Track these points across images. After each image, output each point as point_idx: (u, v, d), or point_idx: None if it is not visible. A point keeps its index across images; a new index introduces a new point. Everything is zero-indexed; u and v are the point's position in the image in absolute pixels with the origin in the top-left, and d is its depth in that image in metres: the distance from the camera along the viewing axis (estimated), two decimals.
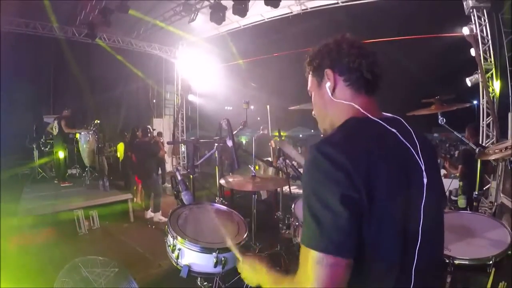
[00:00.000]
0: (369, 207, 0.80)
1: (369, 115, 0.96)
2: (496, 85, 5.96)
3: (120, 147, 7.82)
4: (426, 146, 1.00)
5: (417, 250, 0.90)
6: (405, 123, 1.00)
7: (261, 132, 7.98)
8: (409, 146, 0.94)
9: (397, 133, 0.94)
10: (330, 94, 1.02)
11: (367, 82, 1.00)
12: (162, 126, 10.53)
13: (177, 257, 1.81)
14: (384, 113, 1.04)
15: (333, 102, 1.02)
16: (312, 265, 0.78)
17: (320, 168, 0.82)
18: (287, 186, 3.26)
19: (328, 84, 1.02)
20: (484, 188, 5.69)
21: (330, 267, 0.77)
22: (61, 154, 6.99)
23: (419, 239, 0.91)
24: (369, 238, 0.82)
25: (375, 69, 1.01)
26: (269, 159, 6.85)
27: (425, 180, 0.92)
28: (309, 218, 0.81)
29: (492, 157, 2.76)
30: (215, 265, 1.77)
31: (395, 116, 1.03)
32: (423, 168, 0.93)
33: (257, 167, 7.46)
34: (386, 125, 0.94)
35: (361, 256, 0.82)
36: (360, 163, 0.81)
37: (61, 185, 6.67)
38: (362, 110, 0.98)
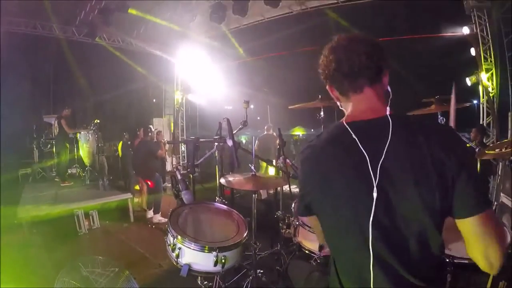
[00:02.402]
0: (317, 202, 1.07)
1: (343, 120, 1.03)
2: (496, 85, 5.96)
3: (120, 146, 7.82)
4: (411, 155, 0.89)
5: (371, 268, 0.91)
6: (389, 127, 0.92)
7: (265, 132, 7.74)
8: (366, 156, 0.92)
9: (357, 141, 0.95)
10: (339, 105, 1.13)
11: (349, 81, 1.00)
12: (162, 126, 10.52)
13: (177, 256, 1.81)
14: (384, 112, 0.98)
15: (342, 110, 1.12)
16: None
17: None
18: (287, 186, 3.26)
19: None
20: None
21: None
22: (61, 154, 6.99)
23: (371, 256, 0.91)
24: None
25: (345, 64, 0.97)
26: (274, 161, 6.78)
27: (374, 195, 0.89)
28: None
29: (491, 157, 2.76)
30: (215, 264, 1.78)
31: (387, 116, 0.95)
32: (375, 182, 0.89)
33: (264, 165, 7.25)
34: (351, 132, 0.97)
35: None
36: (305, 169, 1.08)
37: (61, 184, 6.67)
38: (346, 115, 1.05)
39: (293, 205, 2.78)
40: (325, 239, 1.09)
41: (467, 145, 3.83)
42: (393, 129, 0.92)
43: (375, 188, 0.89)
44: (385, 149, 0.90)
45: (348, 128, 0.97)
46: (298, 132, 22.57)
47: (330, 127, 1.07)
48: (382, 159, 0.90)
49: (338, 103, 1.12)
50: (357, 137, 0.95)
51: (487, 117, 6.15)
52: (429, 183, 0.87)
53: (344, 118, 1.04)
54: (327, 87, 1.09)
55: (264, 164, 7.06)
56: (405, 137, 0.91)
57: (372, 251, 0.90)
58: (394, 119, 0.94)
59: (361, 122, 0.98)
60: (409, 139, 0.90)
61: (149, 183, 5.76)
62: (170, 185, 6.34)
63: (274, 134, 7.51)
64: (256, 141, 7.33)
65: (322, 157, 1.01)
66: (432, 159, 0.86)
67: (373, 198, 0.90)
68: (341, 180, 0.96)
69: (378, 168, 0.90)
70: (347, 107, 1.06)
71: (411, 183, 0.88)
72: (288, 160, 3.11)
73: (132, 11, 7.18)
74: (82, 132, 6.65)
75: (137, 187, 6.65)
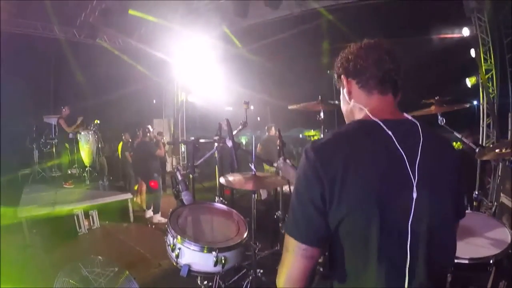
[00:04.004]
0: (335, 208, 0.87)
1: (371, 117, 0.96)
2: (496, 86, 5.97)
3: (120, 147, 7.83)
4: (438, 158, 0.94)
5: (407, 269, 0.87)
6: (419, 129, 0.94)
7: (266, 134, 7.52)
8: (403, 154, 0.89)
9: (393, 138, 0.90)
10: (347, 98, 1.07)
11: (378, 81, 0.99)
12: (162, 126, 10.52)
13: (177, 257, 1.81)
14: (404, 115, 1.00)
15: (350, 105, 1.07)
16: (287, 246, 0.93)
17: (302, 168, 0.92)
18: (287, 186, 3.25)
19: (345, 90, 1.08)
20: (487, 187, 5.71)
21: (300, 250, 0.90)
22: (61, 155, 7.01)
23: (408, 258, 0.86)
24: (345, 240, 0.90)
25: (385, 65, 0.98)
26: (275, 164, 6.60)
27: (414, 195, 0.87)
28: (290, 208, 0.94)
29: (491, 157, 2.76)
30: (215, 264, 1.78)
31: (412, 119, 0.98)
32: (414, 182, 0.87)
33: (266, 167, 7.07)
34: (385, 129, 0.91)
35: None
36: (330, 168, 0.87)
37: (64, 185, 6.66)
38: (368, 113, 0.98)
39: None
40: (337, 246, 0.93)
41: (459, 144, 3.87)
42: (423, 132, 0.94)
43: (414, 188, 0.87)
44: (419, 150, 0.90)
45: (381, 123, 0.92)
46: (310, 134, 22.35)
47: (354, 122, 1.01)
48: (418, 159, 0.89)
49: (347, 97, 1.07)
50: (391, 133, 0.91)
51: (487, 118, 6.15)
52: (454, 189, 0.96)
53: (365, 114, 0.99)
54: (342, 77, 1.07)
55: (266, 166, 6.93)
56: (434, 143, 0.96)
57: (410, 253, 0.86)
58: (420, 123, 0.96)
59: (390, 121, 0.94)
60: (437, 145, 0.98)
61: (153, 183, 5.75)
62: (170, 185, 6.33)
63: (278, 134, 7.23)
64: (258, 145, 7.14)
65: (355, 150, 0.89)
66: (454, 170, 0.97)
67: (412, 198, 0.87)
68: (380, 176, 0.87)
69: (416, 168, 0.88)
70: (364, 104, 1.01)
71: (445, 187, 0.93)
72: (288, 161, 3.11)
73: (132, 12, 7.20)
74: (82, 133, 6.67)
75: (136, 187, 6.67)
